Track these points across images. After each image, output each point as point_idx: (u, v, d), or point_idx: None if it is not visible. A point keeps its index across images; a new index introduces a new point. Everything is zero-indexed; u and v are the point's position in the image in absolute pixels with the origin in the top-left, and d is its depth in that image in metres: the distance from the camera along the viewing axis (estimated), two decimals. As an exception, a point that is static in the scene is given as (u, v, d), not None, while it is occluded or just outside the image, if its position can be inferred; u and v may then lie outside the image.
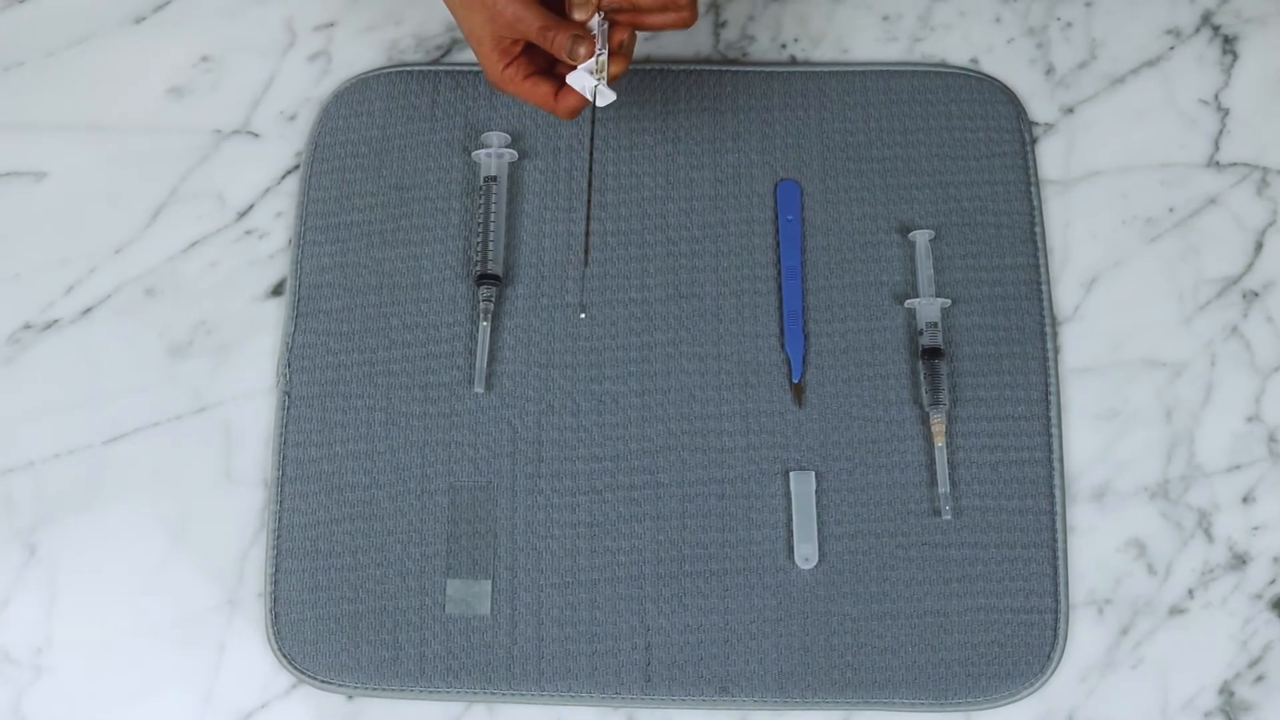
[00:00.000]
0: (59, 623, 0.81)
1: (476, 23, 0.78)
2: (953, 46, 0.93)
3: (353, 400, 0.84)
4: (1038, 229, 0.87)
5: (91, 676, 0.80)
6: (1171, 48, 0.93)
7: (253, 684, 0.80)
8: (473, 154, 0.88)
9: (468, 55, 0.93)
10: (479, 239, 0.86)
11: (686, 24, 0.78)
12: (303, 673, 0.80)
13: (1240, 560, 0.82)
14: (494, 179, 0.87)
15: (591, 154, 0.81)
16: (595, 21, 0.78)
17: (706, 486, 0.82)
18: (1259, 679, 0.80)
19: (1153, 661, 0.80)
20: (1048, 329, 0.85)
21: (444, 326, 0.86)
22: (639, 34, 0.85)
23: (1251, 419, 0.84)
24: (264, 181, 0.90)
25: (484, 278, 0.85)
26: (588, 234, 0.82)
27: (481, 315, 0.85)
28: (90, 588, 0.82)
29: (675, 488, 0.82)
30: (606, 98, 0.78)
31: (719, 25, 0.94)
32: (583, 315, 0.83)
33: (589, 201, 0.81)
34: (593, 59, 0.78)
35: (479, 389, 0.84)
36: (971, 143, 0.89)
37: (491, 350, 0.85)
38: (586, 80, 0.78)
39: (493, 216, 0.86)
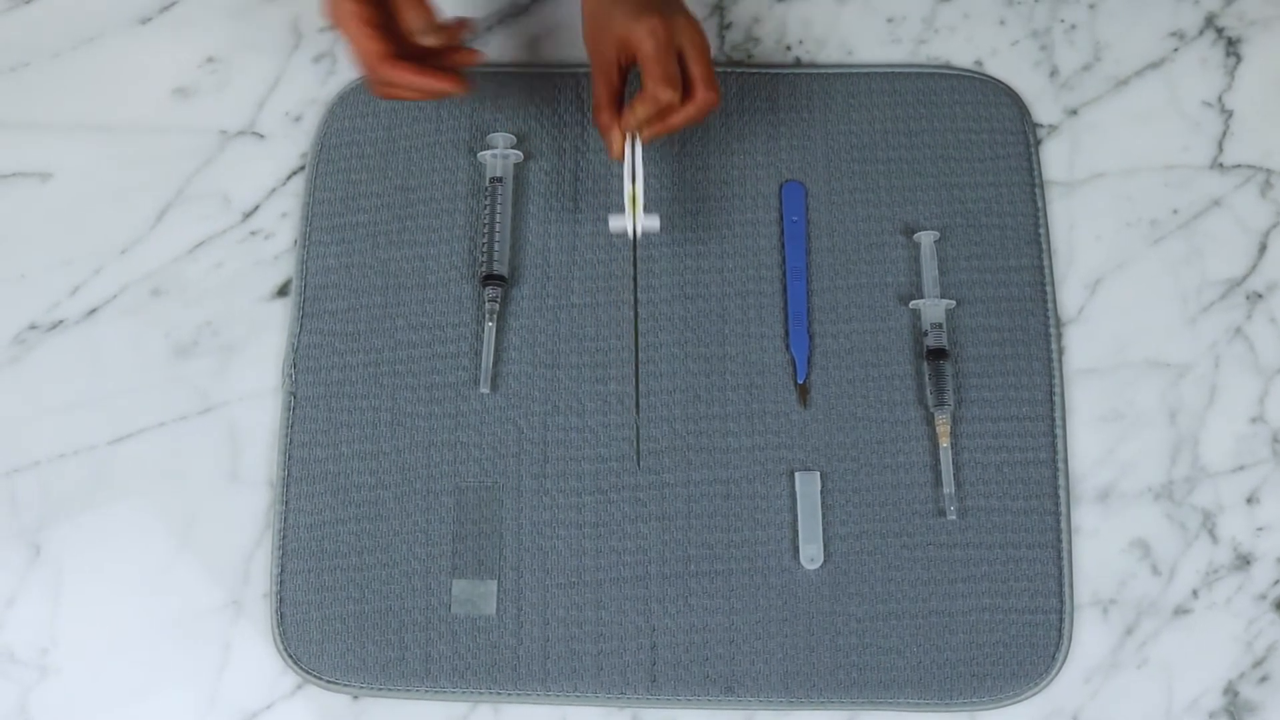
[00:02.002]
0: (64, 623, 0.81)
1: None
2: (957, 48, 0.93)
3: (358, 401, 0.84)
4: (1042, 230, 0.88)
5: (97, 676, 0.80)
6: (1175, 50, 0.93)
7: (258, 684, 0.80)
8: (478, 155, 0.88)
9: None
10: (484, 240, 0.86)
11: (714, 105, 0.80)
12: (308, 673, 0.80)
13: (1244, 561, 0.82)
14: (499, 180, 0.87)
15: (636, 289, 0.83)
16: (626, 150, 0.81)
17: (712, 487, 0.82)
18: (1263, 679, 0.80)
19: (1157, 662, 0.80)
20: (1052, 330, 0.85)
21: (449, 327, 0.86)
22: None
23: (1255, 420, 0.85)
24: (269, 182, 0.90)
25: (489, 278, 0.85)
26: (637, 380, 0.83)
27: (487, 316, 0.85)
28: (95, 588, 0.82)
29: (680, 488, 0.82)
30: (649, 226, 0.82)
31: (724, 27, 0.94)
32: (639, 465, 0.83)
33: (635, 344, 0.83)
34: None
35: (484, 389, 0.84)
36: (976, 144, 0.90)
37: (497, 351, 0.85)
38: (625, 216, 0.81)
39: (498, 218, 0.86)
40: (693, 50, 0.79)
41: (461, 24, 0.79)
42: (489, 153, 0.88)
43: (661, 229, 0.87)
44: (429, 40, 0.77)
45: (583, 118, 0.90)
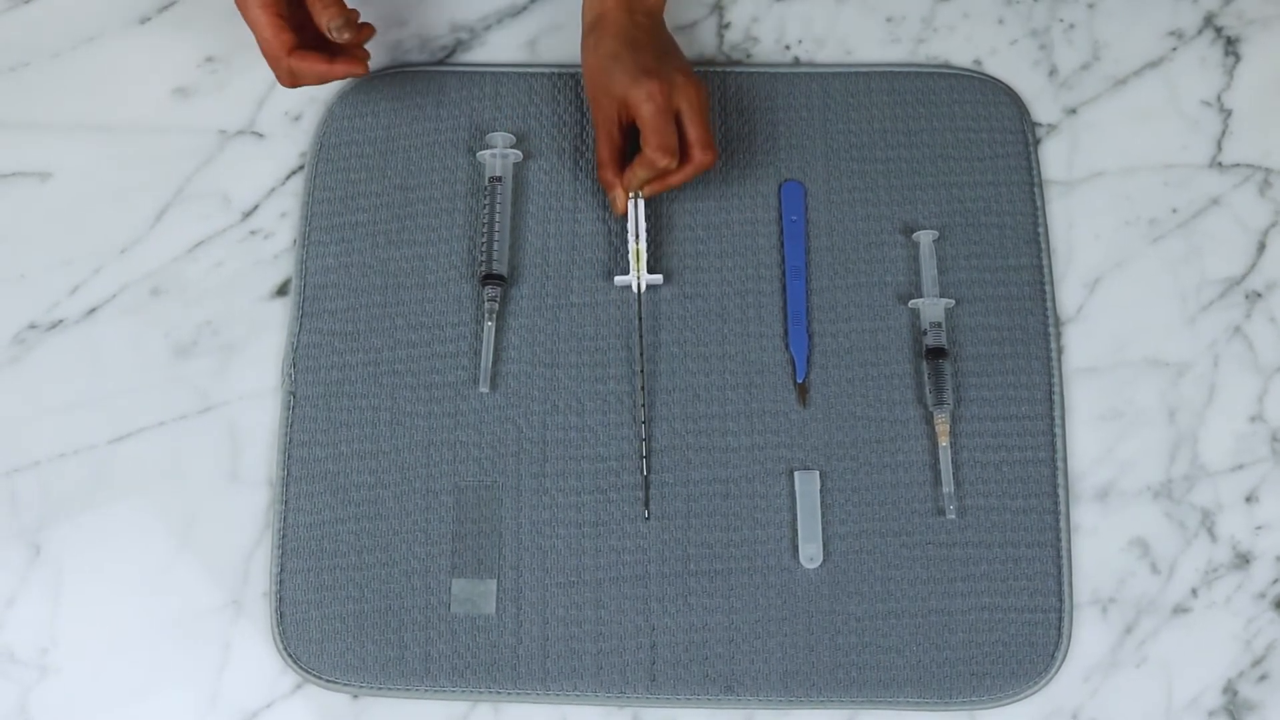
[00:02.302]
0: (64, 622, 0.81)
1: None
2: (956, 48, 0.93)
3: (358, 400, 0.84)
4: (1041, 229, 0.88)
5: (97, 676, 0.80)
6: (1174, 49, 0.93)
7: (258, 683, 0.80)
8: (477, 155, 0.88)
9: (472, 56, 0.93)
10: (484, 239, 0.86)
11: (710, 166, 0.84)
12: (308, 672, 0.80)
13: (1243, 560, 0.82)
14: (499, 179, 0.87)
15: (642, 345, 0.84)
16: (630, 209, 0.85)
17: (711, 486, 0.83)
18: (1262, 678, 0.80)
19: (1156, 661, 0.80)
20: (1051, 329, 0.85)
21: (449, 326, 0.86)
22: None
23: (1254, 419, 0.85)
24: (269, 182, 0.90)
25: (489, 278, 0.85)
26: (647, 440, 0.83)
27: (486, 315, 0.85)
28: (95, 587, 0.82)
29: (680, 487, 0.82)
30: (653, 283, 0.85)
31: (723, 27, 0.94)
32: (647, 517, 0.82)
33: (646, 406, 0.83)
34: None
35: (484, 389, 0.84)
36: (975, 143, 0.90)
37: (496, 350, 0.85)
38: (630, 275, 0.85)
39: (498, 217, 0.86)
40: (690, 111, 0.82)
41: (365, 27, 0.84)
42: (488, 152, 0.88)
43: (660, 229, 0.88)
44: (343, 36, 0.82)
45: (582, 118, 0.90)
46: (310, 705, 0.80)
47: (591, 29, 0.85)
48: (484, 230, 0.86)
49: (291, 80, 0.84)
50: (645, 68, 0.82)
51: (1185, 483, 0.83)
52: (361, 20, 0.84)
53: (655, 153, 0.81)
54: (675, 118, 0.82)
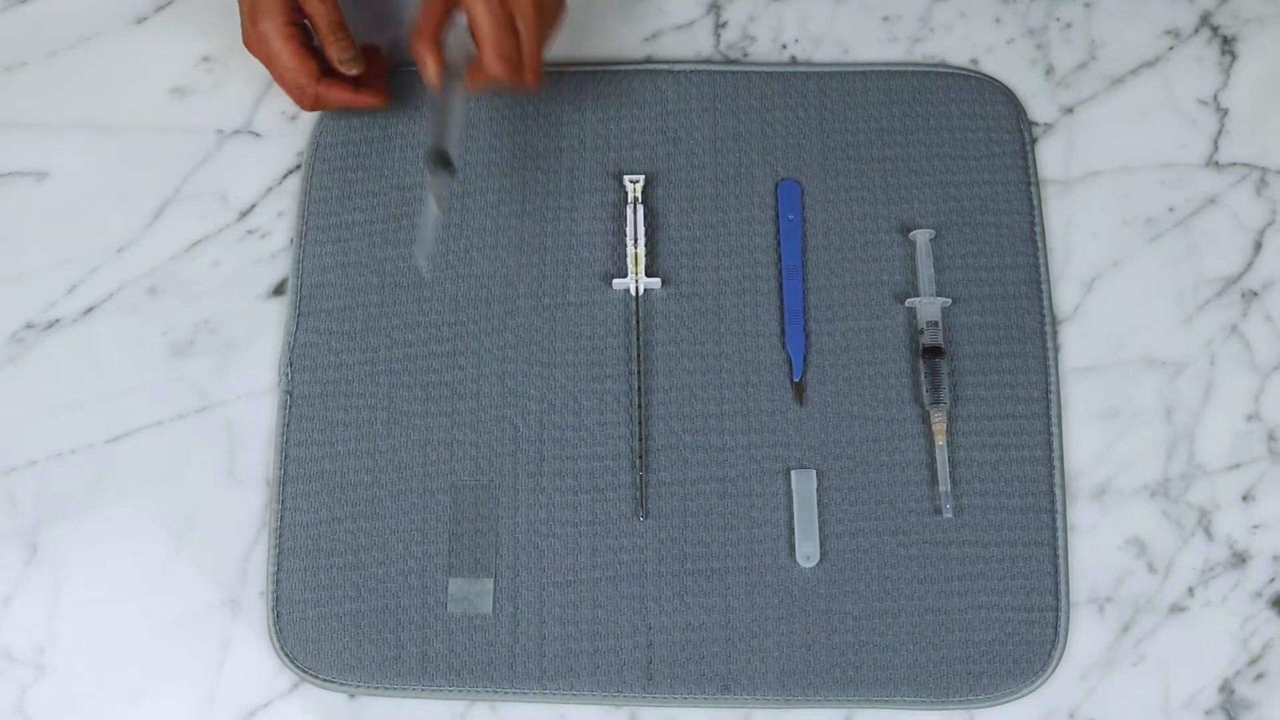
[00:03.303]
0: (62, 622, 0.81)
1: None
2: (953, 47, 0.93)
3: (355, 399, 0.84)
4: (1038, 228, 0.88)
5: (94, 676, 0.80)
6: (1171, 48, 0.93)
7: (255, 683, 0.80)
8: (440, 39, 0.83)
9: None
10: (433, 117, 0.81)
11: (532, 91, 0.82)
12: (305, 672, 0.80)
13: (1240, 558, 0.82)
14: (455, 65, 0.82)
15: (639, 349, 0.84)
16: (629, 213, 0.86)
17: (708, 485, 0.83)
18: (1259, 677, 0.80)
19: (1153, 659, 0.81)
20: (1048, 328, 0.86)
21: (445, 326, 0.86)
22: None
23: (1251, 418, 0.85)
24: (266, 181, 0.90)
25: (437, 156, 0.80)
26: (644, 440, 0.83)
27: (429, 194, 0.80)
28: (93, 587, 0.82)
29: (677, 486, 0.83)
30: (650, 287, 0.85)
31: (720, 26, 0.94)
32: (644, 517, 0.82)
33: (643, 406, 0.83)
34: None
35: (422, 265, 0.82)
36: (972, 143, 0.90)
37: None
38: (628, 278, 0.85)
39: (452, 100, 0.82)
40: (524, 24, 0.79)
41: (379, 60, 0.88)
42: (451, 39, 0.84)
43: (657, 226, 0.88)
44: (352, 70, 0.85)
45: (580, 117, 0.90)
46: (307, 704, 0.80)
47: None
48: (434, 110, 0.82)
49: (314, 104, 0.87)
50: None
51: (1182, 482, 0.84)
52: (372, 42, 0.87)
53: (493, 60, 0.78)
54: (513, 24, 0.79)
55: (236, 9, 0.85)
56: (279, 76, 0.86)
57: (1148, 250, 0.88)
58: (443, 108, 0.82)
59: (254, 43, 0.85)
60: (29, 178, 0.90)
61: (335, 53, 0.85)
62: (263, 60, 0.86)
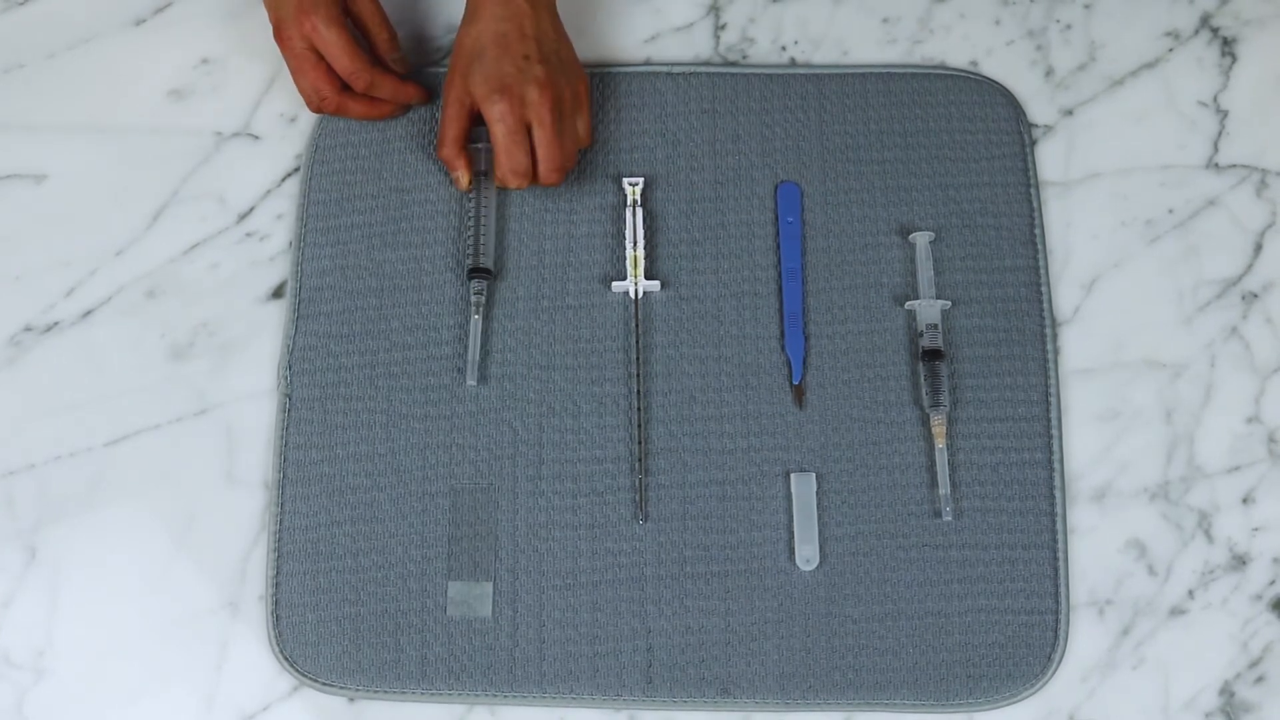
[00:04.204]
0: (60, 625, 0.81)
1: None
2: (952, 48, 0.93)
3: (353, 402, 0.84)
4: (1037, 230, 0.88)
5: (93, 679, 0.80)
6: (1170, 50, 0.93)
7: (254, 686, 0.80)
8: (467, 148, 0.87)
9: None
10: (469, 233, 0.86)
11: (555, 184, 0.85)
12: (304, 675, 0.80)
13: (1240, 561, 0.82)
14: (484, 173, 0.87)
15: (639, 351, 0.84)
16: (628, 216, 0.86)
17: (707, 488, 0.82)
18: (1259, 679, 0.80)
19: (1153, 662, 0.80)
20: (1048, 330, 0.85)
21: (444, 328, 0.86)
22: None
23: (1251, 420, 0.85)
24: (265, 183, 0.90)
25: (475, 271, 0.85)
26: (643, 443, 0.83)
27: (474, 309, 0.84)
28: (92, 590, 0.82)
29: (676, 489, 0.82)
30: (649, 289, 0.86)
31: (719, 28, 0.94)
32: (643, 520, 0.82)
33: (642, 409, 0.83)
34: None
35: (471, 382, 0.83)
36: (971, 144, 0.90)
37: (490, 350, 0.85)
38: (627, 281, 0.86)
39: (484, 211, 0.86)
40: (540, 131, 0.82)
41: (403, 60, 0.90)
42: (482, 145, 0.87)
43: (655, 230, 0.87)
44: (400, 68, 0.89)
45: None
46: (307, 708, 0.80)
47: (471, 7, 0.84)
48: (470, 224, 0.86)
49: (336, 109, 0.87)
50: (503, 81, 0.81)
51: (1182, 484, 0.83)
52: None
53: (506, 175, 0.83)
54: (529, 131, 0.83)
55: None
56: (308, 73, 0.85)
57: (1148, 252, 0.88)
58: (475, 214, 0.86)
59: (295, 35, 0.84)
60: (28, 180, 0.90)
61: (387, 50, 0.87)
62: (297, 54, 0.84)
